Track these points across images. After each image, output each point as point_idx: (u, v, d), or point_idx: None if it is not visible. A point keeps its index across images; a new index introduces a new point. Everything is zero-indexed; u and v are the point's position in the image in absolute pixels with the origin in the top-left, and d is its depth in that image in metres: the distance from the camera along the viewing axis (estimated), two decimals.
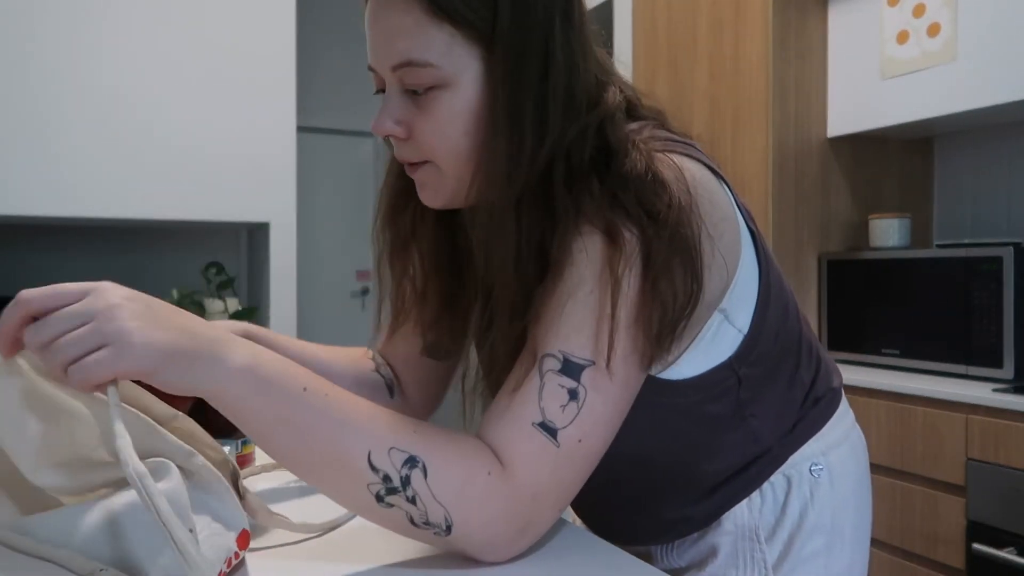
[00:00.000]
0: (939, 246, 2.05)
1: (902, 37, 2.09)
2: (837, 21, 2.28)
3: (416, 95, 0.67)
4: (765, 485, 0.77)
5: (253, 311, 2.83)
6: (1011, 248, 1.78)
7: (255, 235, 3.10)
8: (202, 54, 2.67)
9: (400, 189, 0.81)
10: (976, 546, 1.65)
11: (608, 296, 0.61)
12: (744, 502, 0.77)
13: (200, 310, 2.70)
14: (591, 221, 0.63)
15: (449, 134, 0.67)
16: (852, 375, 1.95)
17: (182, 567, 0.49)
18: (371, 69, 0.70)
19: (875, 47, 2.17)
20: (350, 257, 4.72)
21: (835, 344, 2.21)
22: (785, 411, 0.77)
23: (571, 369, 0.61)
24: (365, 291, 4.76)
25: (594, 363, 0.61)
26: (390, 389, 0.91)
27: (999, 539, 1.63)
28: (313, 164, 4.51)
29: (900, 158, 2.40)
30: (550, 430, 0.60)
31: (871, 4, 2.18)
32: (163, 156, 2.62)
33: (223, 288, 2.80)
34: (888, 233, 2.16)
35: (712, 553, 0.77)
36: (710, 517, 0.78)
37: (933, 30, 2.01)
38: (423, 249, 0.82)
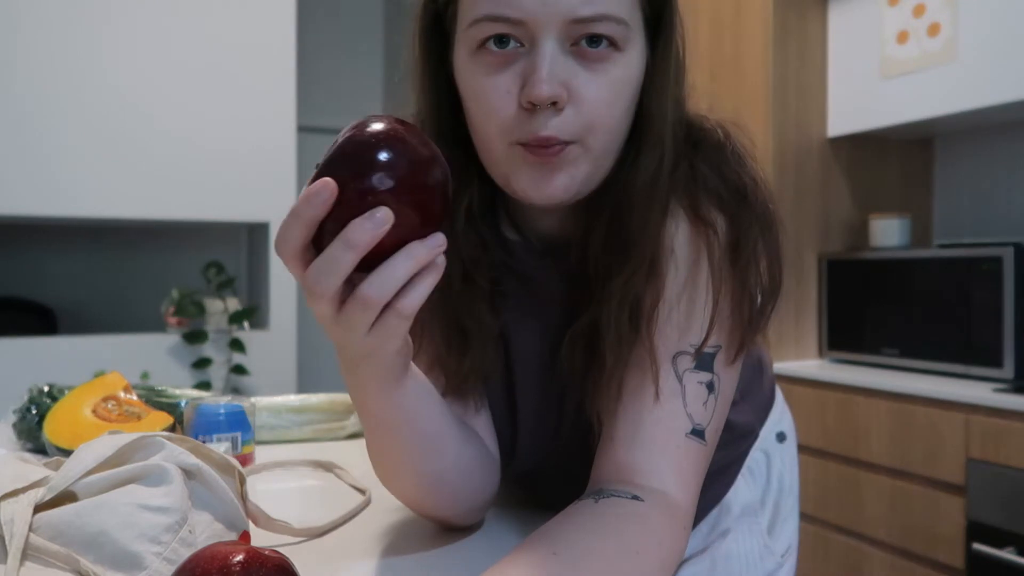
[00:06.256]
0: (939, 246, 2.05)
1: (902, 37, 2.09)
2: (837, 21, 2.28)
3: (583, 56, 0.58)
4: (750, 461, 0.82)
5: (253, 311, 2.83)
6: (1011, 248, 1.78)
7: (255, 235, 3.10)
8: (202, 53, 2.67)
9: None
10: (976, 546, 1.65)
11: (715, 280, 0.60)
12: (741, 483, 0.81)
13: (200, 310, 2.70)
14: (682, 204, 0.62)
15: (617, 102, 0.60)
16: (852, 375, 1.94)
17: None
18: (499, 19, 0.57)
19: (875, 47, 2.17)
20: None
21: (835, 344, 2.20)
22: (759, 383, 0.82)
23: (705, 361, 0.60)
24: None
25: (721, 346, 0.60)
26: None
27: (999, 539, 1.63)
28: (313, 164, 4.51)
29: (900, 158, 2.40)
30: (699, 433, 0.59)
31: (871, 4, 2.18)
32: (163, 156, 2.62)
33: (223, 288, 2.80)
34: (888, 233, 2.16)
35: (723, 535, 0.81)
36: (710, 505, 0.80)
37: (933, 30, 2.01)
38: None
